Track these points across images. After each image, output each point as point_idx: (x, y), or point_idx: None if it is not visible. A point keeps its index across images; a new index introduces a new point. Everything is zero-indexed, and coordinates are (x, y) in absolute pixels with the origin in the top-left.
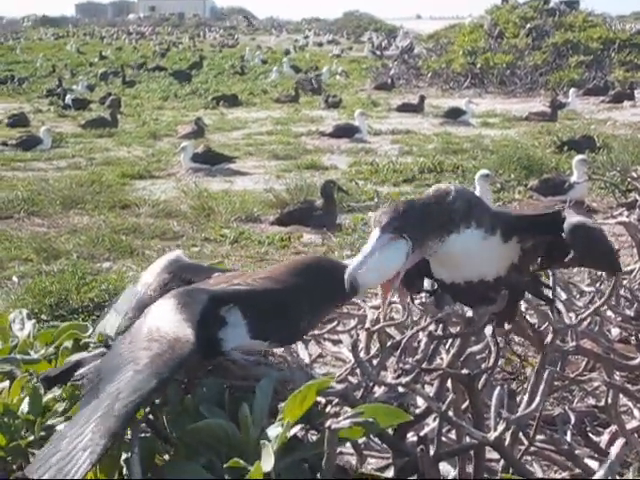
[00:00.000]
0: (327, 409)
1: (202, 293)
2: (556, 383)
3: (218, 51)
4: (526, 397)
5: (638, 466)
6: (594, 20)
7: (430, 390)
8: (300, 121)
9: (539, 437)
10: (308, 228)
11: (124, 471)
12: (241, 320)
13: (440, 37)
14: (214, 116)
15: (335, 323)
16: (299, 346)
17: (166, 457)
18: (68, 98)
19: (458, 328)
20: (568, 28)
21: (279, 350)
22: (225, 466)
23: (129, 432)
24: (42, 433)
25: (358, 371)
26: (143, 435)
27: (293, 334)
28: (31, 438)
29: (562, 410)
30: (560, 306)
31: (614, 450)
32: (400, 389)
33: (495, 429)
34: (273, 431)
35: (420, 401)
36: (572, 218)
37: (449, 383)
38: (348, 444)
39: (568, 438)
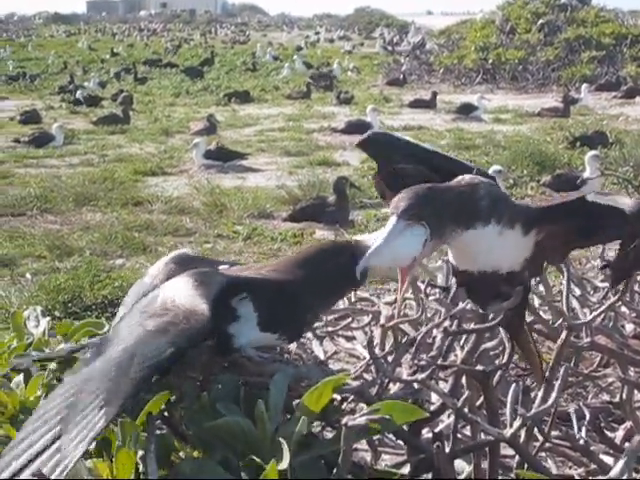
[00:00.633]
0: (343, 406)
1: (218, 275)
2: (570, 379)
3: (230, 47)
4: (540, 393)
5: None
6: (606, 15)
7: (444, 387)
8: (312, 117)
9: (554, 433)
10: (321, 224)
11: (140, 469)
12: (252, 312)
13: (452, 33)
14: (226, 113)
15: (349, 320)
16: (314, 343)
17: (182, 454)
18: (80, 94)
19: (472, 324)
20: (580, 23)
21: (294, 347)
22: (241, 464)
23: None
24: None
25: (373, 368)
26: (159, 432)
27: (300, 327)
28: None
29: (577, 406)
30: (574, 302)
31: (630, 446)
32: (415, 385)
33: (511, 425)
34: (289, 428)
35: (434, 398)
36: (621, 198)
37: (463, 379)
38: (362, 440)
39: (583, 434)
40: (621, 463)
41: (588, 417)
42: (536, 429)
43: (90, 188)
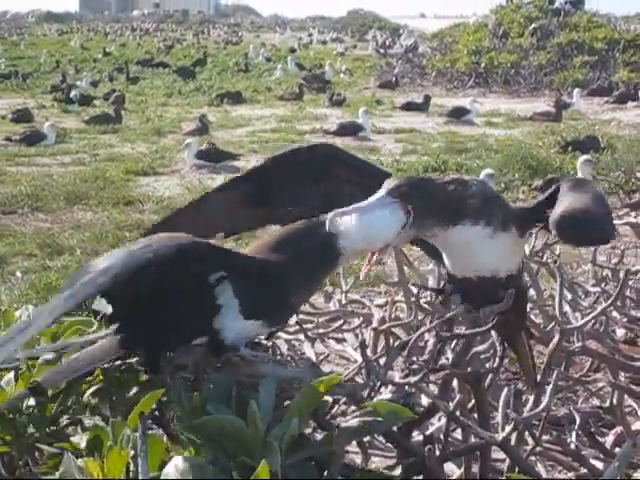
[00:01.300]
0: (334, 408)
1: (200, 242)
2: (560, 383)
3: (222, 48)
4: (532, 397)
5: None
6: (599, 20)
7: (435, 390)
8: (304, 119)
9: (545, 437)
10: None
11: (131, 468)
12: (233, 298)
13: (444, 36)
14: (218, 113)
15: (340, 322)
16: (305, 345)
17: (173, 454)
18: (72, 94)
19: (464, 328)
20: (573, 28)
21: (285, 349)
22: (232, 464)
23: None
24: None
25: (364, 371)
26: (150, 432)
27: (284, 311)
28: (37, 434)
29: (567, 411)
30: (566, 307)
31: (621, 451)
32: (407, 388)
33: (503, 429)
34: (281, 429)
35: (425, 401)
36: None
37: (454, 383)
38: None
39: (573, 438)
40: (612, 468)
41: (578, 422)
42: (527, 433)
43: (81, 187)
